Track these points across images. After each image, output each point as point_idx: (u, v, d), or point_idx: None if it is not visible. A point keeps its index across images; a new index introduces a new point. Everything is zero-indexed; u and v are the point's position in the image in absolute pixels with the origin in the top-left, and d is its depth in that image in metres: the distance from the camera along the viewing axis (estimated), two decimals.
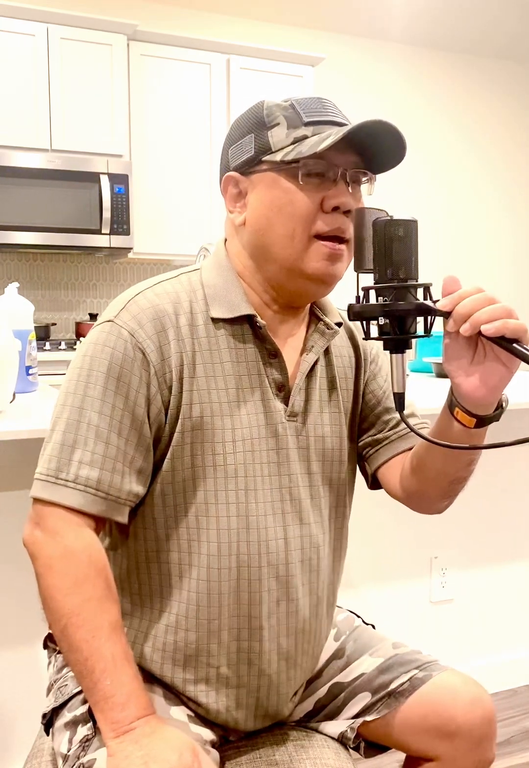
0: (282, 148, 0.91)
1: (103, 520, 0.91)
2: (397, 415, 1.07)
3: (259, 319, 0.96)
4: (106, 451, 0.88)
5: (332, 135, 0.88)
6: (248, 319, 0.97)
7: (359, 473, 1.13)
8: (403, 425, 1.07)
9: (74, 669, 0.87)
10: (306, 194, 0.90)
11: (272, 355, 0.98)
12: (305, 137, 0.90)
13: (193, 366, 0.93)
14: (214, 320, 0.96)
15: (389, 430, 1.08)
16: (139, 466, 0.91)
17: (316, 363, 1.02)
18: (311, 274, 0.92)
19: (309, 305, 1.04)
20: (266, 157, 0.92)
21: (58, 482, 0.88)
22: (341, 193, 0.91)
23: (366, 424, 1.10)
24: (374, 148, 0.92)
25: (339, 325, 1.05)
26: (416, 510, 1.08)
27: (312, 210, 0.91)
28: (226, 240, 1.02)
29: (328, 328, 1.02)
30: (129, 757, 0.81)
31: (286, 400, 0.99)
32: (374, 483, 1.12)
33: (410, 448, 1.06)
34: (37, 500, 0.90)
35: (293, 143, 0.90)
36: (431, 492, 1.03)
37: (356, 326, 1.10)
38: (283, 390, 0.99)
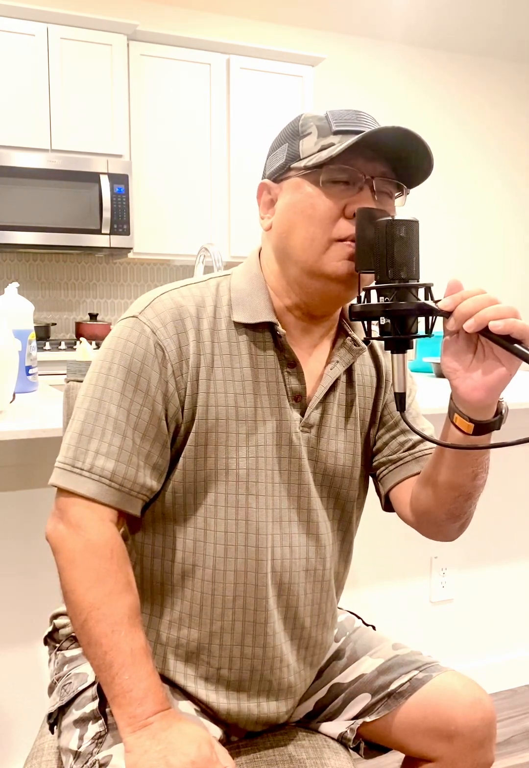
0: (309, 156, 0.92)
1: (123, 513, 0.92)
2: (413, 437, 1.07)
3: (279, 327, 0.96)
4: (123, 443, 0.90)
5: (350, 139, 0.88)
6: (270, 327, 0.97)
7: (372, 493, 1.13)
8: (418, 448, 1.07)
9: (93, 663, 0.88)
10: (328, 199, 0.91)
11: (290, 364, 0.98)
12: (331, 145, 0.91)
13: (211, 368, 0.94)
14: (236, 325, 0.96)
15: (404, 452, 1.07)
16: (155, 461, 0.92)
17: (338, 379, 1.02)
18: (331, 273, 0.92)
19: (339, 320, 1.04)
20: (294, 164, 0.94)
21: (74, 471, 0.90)
22: (363, 199, 0.91)
23: (380, 444, 1.09)
24: (400, 159, 0.92)
25: (367, 343, 1.04)
26: (427, 535, 1.06)
27: (333, 214, 0.91)
28: (261, 249, 1.03)
29: (355, 345, 1.02)
30: (148, 752, 0.81)
31: (302, 411, 0.99)
32: (387, 504, 1.11)
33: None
34: (59, 492, 0.92)
35: (319, 150, 0.91)
36: (439, 511, 1.01)
37: (382, 347, 1.10)
38: (300, 400, 0.99)
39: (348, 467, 1.04)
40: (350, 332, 1.03)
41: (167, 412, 0.92)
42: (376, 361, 1.09)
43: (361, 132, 0.91)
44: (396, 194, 0.95)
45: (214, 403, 0.94)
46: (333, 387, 1.02)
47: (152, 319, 0.93)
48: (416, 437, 1.06)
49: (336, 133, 0.91)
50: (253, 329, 0.97)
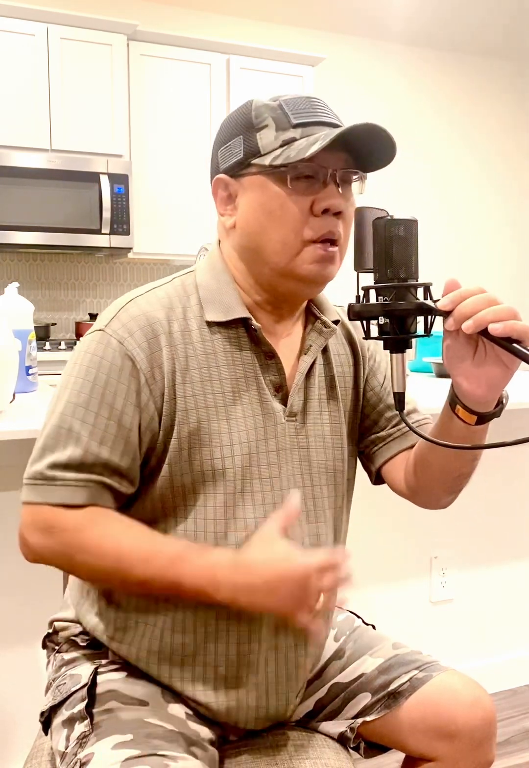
0: (271, 152, 0.90)
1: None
2: None
3: (254, 321, 0.95)
4: (85, 457, 0.89)
5: (320, 139, 0.87)
6: (243, 322, 0.96)
7: (361, 470, 1.13)
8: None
9: (157, 591, 0.90)
10: (296, 199, 0.90)
11: (268, 356, 0.97)
12: (294, 140, 0.89)
13: (186, 371, 0.93)
14: (209, 324, 0.95)
15: (391, 428, 1.08)
16: (124, 471, 0.92)
17: (314, 362, 1.02)
18: (304, 275, 0.92)
19: (306, 303, 1.03)
20: (255, 161, 0.91)
21: (37, 483, 0.90)
22: (330, 195, 0.90)
23: (368, 422, 1.10)
24: (363, 148, 0.91)
25: (336, 322, 1.04)
26: (420, 506, 1.09)
27: (302, 215, 0.90)
28: (220, 241, 1.02)
29: (325, 327, 1.02)
30: (253, 590, 0.85)
31: (284, 401, 0.99)
32: (377, 479, 1.12)
33: (413, 445, 1.06)
34: (26, 508, 0.91)
35: (281, 146, 0.89)
36: (436, 488, 1.03)
37: (354, 324, 1.10)
38: (281, 390, 0.98)
39: (337, 449, 1.04)
40: (318, 315, 1.03)
41: (141, 424, 0.91)
42: (349, 337, 1.09)
43: (319, 122, 0.90)
44: (354, 178, 0.94)
45: (194, 406, 0.92)
46: (311, 372, 1.02)
47: (118, 330, 0.91)
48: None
49: (296, 126, 0.90)
50: (226, 326, 0.96)
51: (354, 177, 0.94)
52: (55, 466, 0.89)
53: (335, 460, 1.04)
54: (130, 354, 0.90)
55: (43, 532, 0.90)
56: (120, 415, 0.90)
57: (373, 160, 0.93)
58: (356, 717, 1.08)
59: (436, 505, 1.08)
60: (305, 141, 0.88)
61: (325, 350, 1.05)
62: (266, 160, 0.90)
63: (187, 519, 0.94)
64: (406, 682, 1.05)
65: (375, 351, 1.11)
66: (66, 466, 0.89)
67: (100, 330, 0.93)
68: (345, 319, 1.09)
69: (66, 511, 0.89)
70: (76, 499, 0.89)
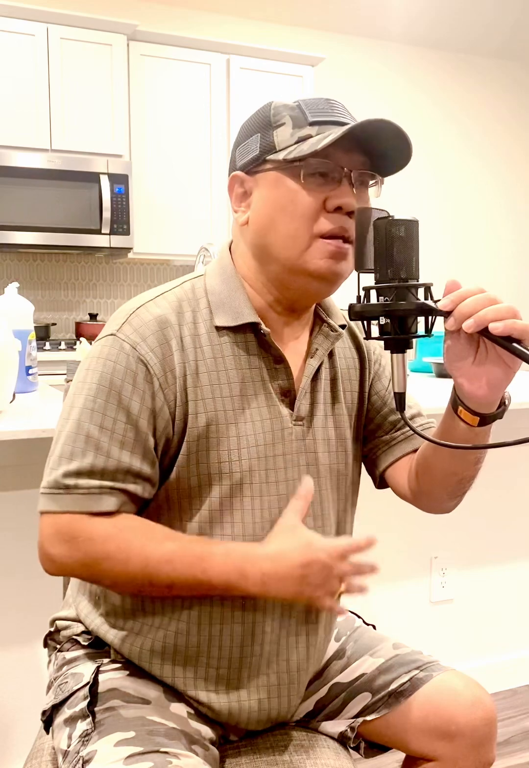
0: (286, 148, 0.90)
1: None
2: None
3: (263, 326, 0.95)
4: (107, 463, 0.88)
5: (333, 133, 0.87)
6: (252, 326, 0.96)
7: (364, 472, 1.13)
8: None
9: (189, 596, 0.92)
10: (308, 194, 0.90)
11: (277, 360, 0.97)
12: (309, 136, 0.89)
13: (197, 375, 0.92)
14: (218, 329, 0.95)
15: (395, 431, 1.08)
16: (147, 475, 0.91)
17: (320, 365, 1.02)
18: (314, 271, 0.91)
19: (313, 307, 1.03)
20: (270, 157, 0.92)
21: (57, 492, 0.88)
22: (344, 193, 0.90)
23: (372, 426, 1.10)
24: (379, 150, 0.91)
25: (343, 327, 1.04)
26: (424, 510, 1.08)
27: (314, 210, 0.90)
28: (231, 243, 1.02)
29: (332, 331, 1.02)
30: (281, 578, 0.87)
31: (291, 405, 0.99)
32: (381, 483, 1.12)
33: (417, 449, 1.06)
34: (46, 517, 0.89)
35: (296, 143, 0.90)
36: (439, 492, 1.03)
37: (359, 327, 1.10)
38: (288, 395, 0.98)
39: (342, 452, 1.04)
40: (326, 319, 1.03)
41: (156, 428, 0.91)
42: (356, 341, 1.09)
43: (336, 122, 0.90)
44: (371, 183, 0.94)
45: (204, 410, 0.92)
46: (317, 376, 1.02)
47: (131, 334, 0.91)
48: (408, 415, 1.06)
49: (312, 123, 0.90)
50: (234, 331, 0.96)
51: (371, 181, 0.94)
52: (75, 473, 0.88)
53: (339, 463, 1.04)
54: (144, 359, 0.90)
55: (66, 543, 0.88)
56: (137, 420, 0.89)
57: (389, 163, 0.93)
58: (356, 717, 1.08)
59: (439, 510, 1.08)
60: (319, 137, 0.88)
61: (331, 354, 1.05)
62: (280, 156, 0.91)
63: (192, 523, 0.94)
64: (406, 681, 1.05)
65: (381, 355, 1.11)
66: (88, 473, 0.88)
67: (111, 335, 0.92)
68: (352, 323, 1.09)
69: (90, 519, 0.88)
70: (100, 506, 0.88)
